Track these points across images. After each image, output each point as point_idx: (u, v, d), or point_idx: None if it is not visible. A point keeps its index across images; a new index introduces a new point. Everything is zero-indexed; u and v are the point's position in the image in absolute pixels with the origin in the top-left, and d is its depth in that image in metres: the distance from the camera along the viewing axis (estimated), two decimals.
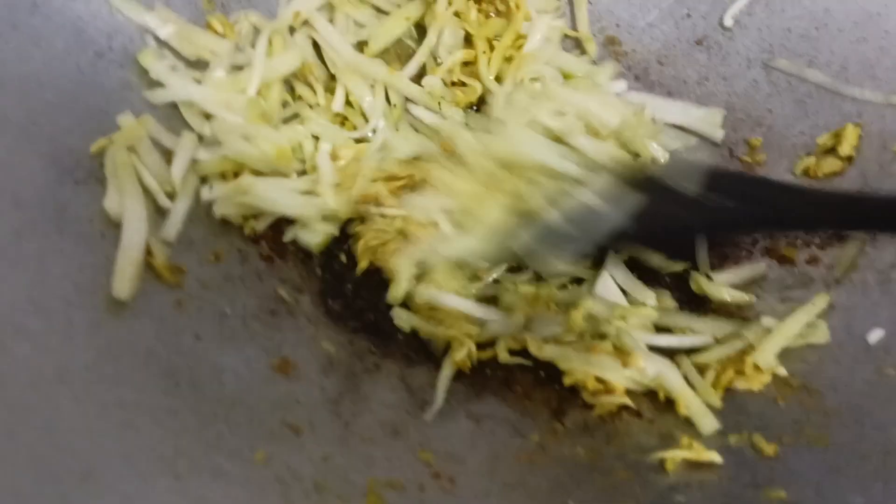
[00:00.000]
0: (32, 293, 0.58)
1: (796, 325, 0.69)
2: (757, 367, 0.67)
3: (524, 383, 0.72)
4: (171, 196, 0.70)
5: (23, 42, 0.67)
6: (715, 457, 0.63)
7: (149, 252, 0.65)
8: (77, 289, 0.61)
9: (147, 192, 0.68)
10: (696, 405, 0.66)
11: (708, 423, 0.66)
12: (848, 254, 0.75)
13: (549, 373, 0.72)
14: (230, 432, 0.59)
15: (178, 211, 0.69)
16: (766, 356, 0.68)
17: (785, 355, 0.69)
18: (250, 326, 0.68)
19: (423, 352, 0.73)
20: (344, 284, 0.75)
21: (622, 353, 0.67)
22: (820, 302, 0.71)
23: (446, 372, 0.70)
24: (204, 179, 0.72)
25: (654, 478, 0.63)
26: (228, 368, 0.64)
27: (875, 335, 0.68)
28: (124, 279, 0.62)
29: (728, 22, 0.90)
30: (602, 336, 0.69)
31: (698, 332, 0.72)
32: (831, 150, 0.80)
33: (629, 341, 0.68)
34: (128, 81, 0.72)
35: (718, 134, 0.86)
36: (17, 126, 0.64)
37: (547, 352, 0.68)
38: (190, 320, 0.65)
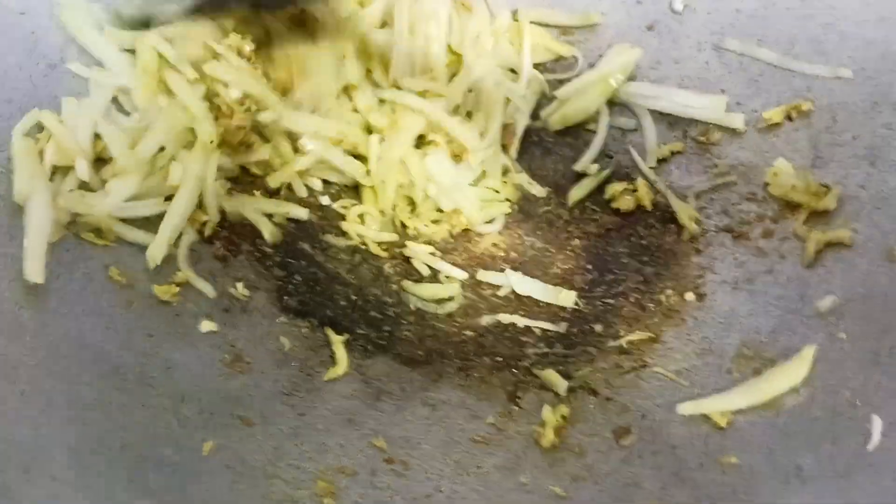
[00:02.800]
0: None
1: None
2: None
3: (481, 369, 0.72)
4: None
5: None
6: None
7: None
8: (27, 291, 0.62)
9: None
10: None
11: None
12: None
13: (507, 357, 0.73)
14: (179, 425, 0.60)
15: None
16: None
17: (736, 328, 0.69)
18: (203, 323, 0.69)
19: (380, 344, 0.73)
20: (300, 280, 0.75)
21: None
22: None
23: None
24: None
25: (607, 452, 0.63)
26: (180, 364, 0.65)
27: (827, 302, 0.69)
28: (36, 261, 0.63)
29: (678, 6, 0.91)
30: None
31: None
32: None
33: None
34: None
35: (738, 121, 0.83)
36: None
37: None
38: (141, 319, 0.66)
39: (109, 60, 0.74)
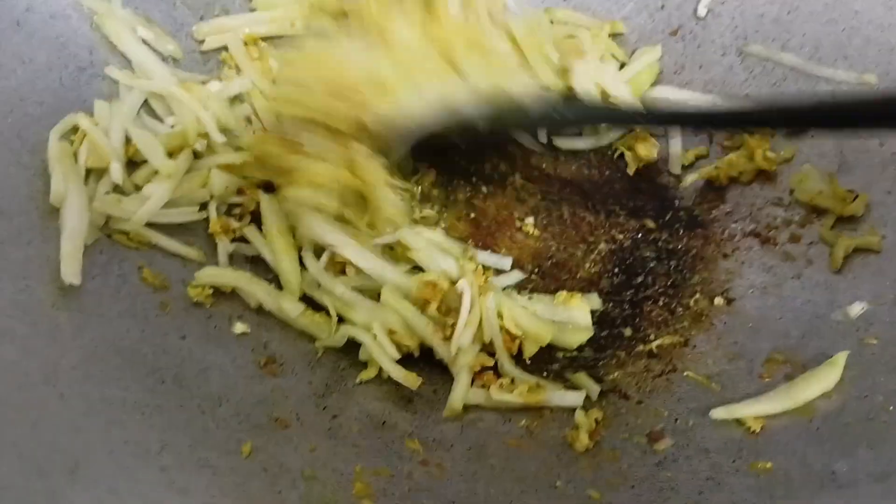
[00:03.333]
0: (18, 298, 0.59)
1: None
2: None
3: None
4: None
5: (6, 58, 0.69)
6: None
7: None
8: (63, 293, 0.62)
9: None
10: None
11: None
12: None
13: (536, 361, 0.73)
14: (216, 427, 0.60)
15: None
16: None
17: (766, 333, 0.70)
18: (236, 325, 0.69)
19: None
20: None
21: None
22: None
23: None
24: None
25: (642, 456, 0.63)
26: (214, 366, 0.65)
27: (856, 308, 0.69)
28: (73, 262, 0.63)
29: (702, 11, 0.91)
30: None
31: None
32: None
33: None
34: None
35: None
36: (1, 139, 0.66)
37: None
38: (175, 321, 0.66)
39: (145, 65, 0.74)
